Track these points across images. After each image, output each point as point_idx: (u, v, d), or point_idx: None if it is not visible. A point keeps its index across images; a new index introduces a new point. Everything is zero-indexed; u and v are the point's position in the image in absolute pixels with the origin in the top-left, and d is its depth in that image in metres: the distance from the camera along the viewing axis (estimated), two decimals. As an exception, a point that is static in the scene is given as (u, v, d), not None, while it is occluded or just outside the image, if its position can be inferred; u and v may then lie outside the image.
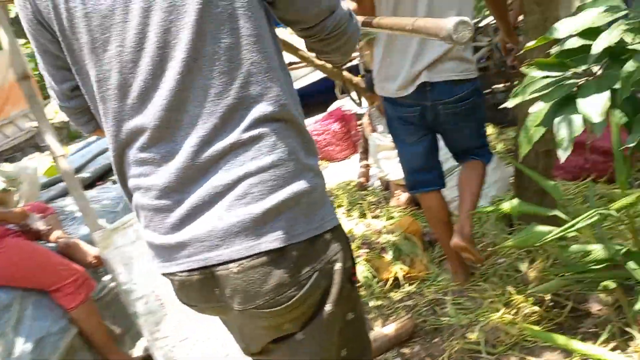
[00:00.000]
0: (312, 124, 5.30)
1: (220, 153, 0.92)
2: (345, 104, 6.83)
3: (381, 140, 3.44)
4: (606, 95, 1.07)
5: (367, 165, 3.95)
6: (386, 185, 3.63)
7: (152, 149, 0.94)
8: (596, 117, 1.06)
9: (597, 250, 1.69)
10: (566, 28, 1.10)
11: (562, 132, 1.12)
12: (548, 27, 2.07)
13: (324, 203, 0.99)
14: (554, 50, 1.24)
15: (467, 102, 2.03)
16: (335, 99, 7.05)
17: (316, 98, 7.91)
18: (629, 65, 0.95)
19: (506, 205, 1.86)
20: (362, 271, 2.50)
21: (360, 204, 3.51)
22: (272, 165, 0.92)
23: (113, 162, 1.03)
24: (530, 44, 1.20)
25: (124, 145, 0.98)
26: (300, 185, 0.94)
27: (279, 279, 0.93)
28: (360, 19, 1.36)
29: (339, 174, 4.46)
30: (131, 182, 1.01)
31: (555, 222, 2.36)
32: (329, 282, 0.99)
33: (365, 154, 3.91)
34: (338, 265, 1.00)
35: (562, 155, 1.11)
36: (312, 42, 1.07)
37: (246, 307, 0.97)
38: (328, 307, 1.00)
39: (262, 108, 0.92)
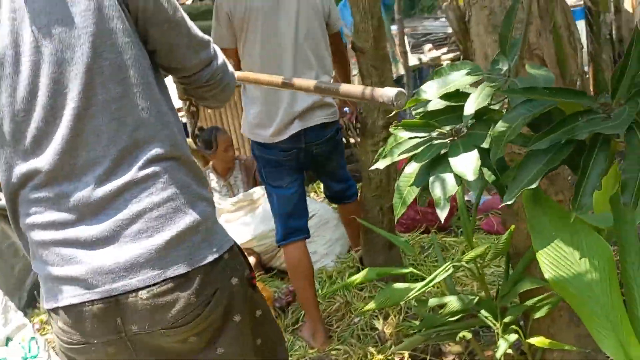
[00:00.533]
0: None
1: (116, 191, 0.99)
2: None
3: (220, 203, 3.29)
4: (474, 154, 1.09)
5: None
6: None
7: (47, 189, 1.00)
8: (470, 176, 1.07)
9: (452, 301, 1.74)
10: (432, 90, 1.12)
11: (437, 192, 1.12)
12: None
13: (219, 227, 1.11)
14: (415, 112, 1.25)
15: (335, 140, 2.30)
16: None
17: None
18: (500, 126, 0.98)
19: (360, 275, 1.83)
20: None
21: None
22: (168, 199, 1.02)
23: (6, 204, 1.06)
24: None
25: (17, 187, 1.02)
26: (197, 214, 1.04)
27: (186, 300, 1.01)
28: (277, 79, 1.49)
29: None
30: (26, 221, 1.04)
31: (404, 277, 2.44)
32: (231, 296, 1.09)
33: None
34: (235, 281, 1.10)
35: (441, 214, 1.09)
36: (191, 89, 1.18)
37: (153, 329, 1.02)
38: (237, 317, 1.10)
39: (154, 149, 1.01)
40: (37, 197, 1.01)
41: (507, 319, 1.66)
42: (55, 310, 1.04)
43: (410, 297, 1.64)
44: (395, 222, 2.39)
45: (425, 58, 6.59)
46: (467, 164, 1.08)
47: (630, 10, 4.28)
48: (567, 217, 1.00)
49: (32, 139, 0.98)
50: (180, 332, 1.04)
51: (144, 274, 0.99)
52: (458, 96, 1.17)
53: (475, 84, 1.17)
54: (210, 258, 1.05)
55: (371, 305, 1.77)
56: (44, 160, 0.98)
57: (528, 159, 0.98)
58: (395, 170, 2.28)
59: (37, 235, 1.03)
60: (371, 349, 2.07)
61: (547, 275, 0.98)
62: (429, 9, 11.67)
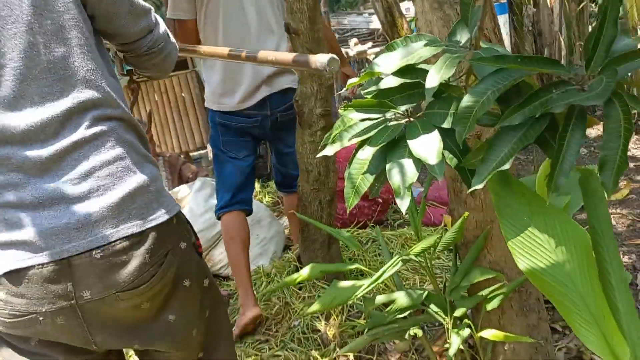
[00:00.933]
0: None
1: (63, 151, 0.96)
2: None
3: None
4: (435, 135, 0.98)
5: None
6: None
7: None
8: (433, 159, 0.95)
9: (401, 297, 1.64)
10: (388, 64, 1.00)
11: (395, 179, 0.99)
12: (322, 75, 2.07)
13: (166, 190, 1.10)
14: (366, 90, 1.13)
15: (293, 111, 2.17)
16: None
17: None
18: (467, 101, 0.87)
19: (305, 272, 1.69)
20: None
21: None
22: (117, 158, 1.01)
23: None
24: (353, 80, 1.07)
25: None
26: (145, 173, 1.04)
27: (140, 259, 1.00)
28: (220, 50, 1.55)
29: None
30: None
31: (344, 274, 2.32)
32: (181, 259, 1.09)
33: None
34: (184, 245, 1.11)
35: (402, 204, 0.97)
36: (131, 57, 1.17)
37: (107, 293, 0.99)
38: (187, 282, 1.10)
39: (100, 109, 1.00)
40: None
41: (457, 313, 1.59)
42: (7, 273, 0.96)
43: (358, 296, 1.53)
44: (334, 216, 2.27)
45: (352, 52, 6.56)
46: (428, 146, 0.97)
47: (549, 5, 4.43)
48: (539, 200, 0.91)
49: None
50: (134, 294, 1.02)
51: (96, 233, 0.97)
52: (412, 72, 1.06)
53: (432, 58, 1.07)
54: (162, 218, 1.04)
55: (315, 307, 1.64)
56: None
57: (498, 138, 0.88)
58: (334, 161, 2.16)
59: None
60: (314, 353, 1.94)
61: (521, 266, 0.89)
62: (352, 5, 11.75)
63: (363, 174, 1.08)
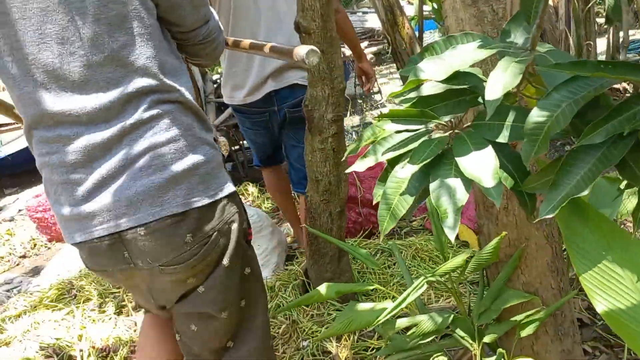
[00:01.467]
0: (34, 198, 4.31)
1: (122, 133, 1.04)
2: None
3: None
4: (489, 151, 0.84)
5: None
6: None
7: (57, 130, 1.06)
8: (488, 180, 0.81)
9: (424, 321, 1.50)
10: (434, 70, 0.85)
11: (443, 202, 0.85)
12: (335, 75, 1.93)
13: (221, 172, 1.15)
14: (400, 99, 0.98)
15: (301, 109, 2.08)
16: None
17: (31, 165, 6.67)
18: (537, 115, 0.73)
19: (317, 294, 1.54)
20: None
21: (116, 294, 2.83)
22: (170, 140, 1.07)
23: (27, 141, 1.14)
24: (393, 90, 0.92)
25: (30, 127, 1.09)
26: (197, 157, 1.10)
27: (182, 239, 1.07)
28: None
29: (77, 258, 3.63)
30: (40, 161, 1.11)
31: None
32: (227, 241, 1.15)
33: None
34: (235, 226, 1.17)
35: (451, 233, 0.83)
36: (186, 45, 1.22)
37: (153, 265, 1.09)
38: (225, 261, 1.16)
39: (158, 94, 1.07)
40: (48, 137, 1.07)
41: (487, 339, 1.45)
42: (74, 245, 1.13)
43: (381, 320, 1.39)
44: (344, 229, 2.13)
45: (348, 52, 6.41)
46: (481, 164, 0.83)
47: (553, 4, 4.31)
48: (618, 232, 0.77)
49: (43, 83, 1.03)
50: (176, 271, 1.11)
51: (143, 211, 1.05)
52: (459, 77, 0.92)
53: (479, 63, 0.93)
54: (205, 201, 1.10)
55: (330, 331, 1.49)
56: (54, 104, 1.04)
57: (574, 158, 0.74)
58: (345, 169, 2.01)
59: (49, 175, 1.10)
60: (327, 378, 1.80)
61: (599, 308, 0.75)
62: (346, 3, 11.59)
63: (401, 194, 0.93)
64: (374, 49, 7.22)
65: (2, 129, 5.85)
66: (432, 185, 0.88)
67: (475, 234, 2.74)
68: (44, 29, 1.01)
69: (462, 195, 0.85)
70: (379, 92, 6.80)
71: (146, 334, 1.39)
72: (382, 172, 1.00)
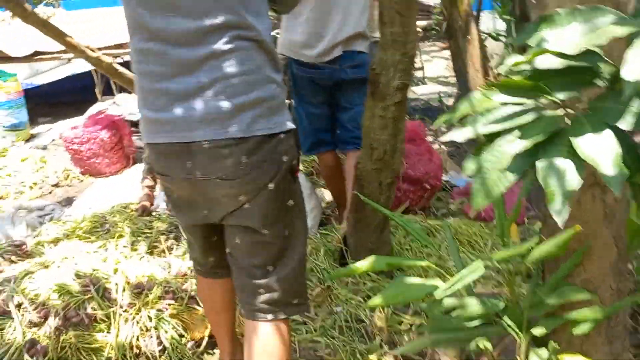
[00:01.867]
0: (71, 130, 4.33)
1: (204, 57, 1.19)
2: (109, 107, 5.89)
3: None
4: (609, 136, 0.79)
5: (152, 186, 3.29)
6: (178, 211, 3.03)
7: (151, 43, 1.22)
8: (608, 167, 0.76)
9: (473, 304, 1.47)
10: (564, 42, 0.79)
11: (552, 184, 0.80)
12: (409, 40, 1.86)
13: (282, 110, 1.28)
14: (512, 71, 0.92)
15: (364, 70, 2.25)
16: (92, 100, 6.05)
17: (65, 97, 6.69)
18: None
19: (364, 265, 1.49)
20: (167, 331, 1.91)
21: (148, 234, 2.85)
22: (242, 73, 1.21)
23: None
24: (513, 60, 0.86)
25: (130, 34, 1.26)
26: (263, 92, 1.23)
27: (237, 158, 1.22)
28: None
29: (110, 194, 3.65)
30: (134, 67, 1.28)
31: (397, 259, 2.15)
32: (277, 169, 1.27)
33: (150, 172, 3.25)
34: (286, 158, 1.29)
35: (559, 217, 0.78)
36: None
37: (211, 176, 1.25)
38: (271, 185, 1.28)
39: (239, 30, 1.20)
40: (141, 48, 1.24)
41: (537, 332, 1.41)
42: (148, 145, 1.31)
43: (432, 298, 1.36)
44: (392, 201, 2.09)
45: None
46: (600, 148, 0.77)
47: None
48: None
49: (144, 2, 1.20)
50: (230, 185, 1.25)
51: (210, 129, 1.20)
52: (583, 53, 0.85)
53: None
54: (264, 132, 1.23)
55: (376, 301, 1.46)
56: (150, 21, 1.20)
57: None
58: (402, 140, 1.96)
59: (139, 81, 1.27)
60: (359, 346, 1.79)
61: None
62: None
63: (502, 170, 0.88)
64: (423, 23, 7.02)
65: (39, 57, 5.87)
66: (540, 165, 0.83)
67: (516, 224, 2.68)
68: None
69: (574, 179, 0.80)
70: (422, 68, 6.65)
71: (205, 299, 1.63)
72: (477, 145, 0.95)
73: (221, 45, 1.19)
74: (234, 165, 1.22)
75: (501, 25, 5.90)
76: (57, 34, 2.83)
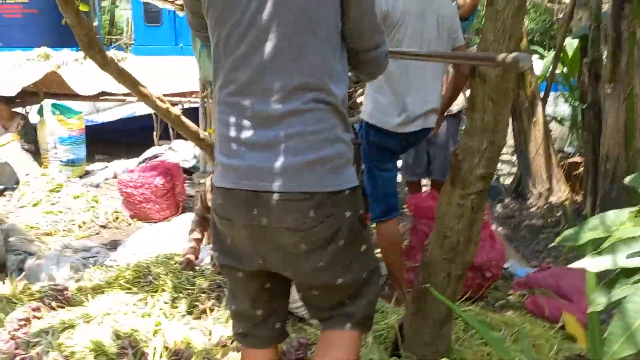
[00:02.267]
0: (127, 173, 4.38)
1: (282, 114, 1.28)
2: (164, 152, 5.97)
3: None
4: None
5: (199, 239, 3.21)
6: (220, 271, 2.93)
7: (237, 97, 1.32)
8: None
9: None
10: None
11: None
12: (499, 129, 1.75)
13: (349, 168, 1.37)
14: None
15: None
16: (148, 143, 6.16)
17: (123, 136, 6.86)
18: None
19: None
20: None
21: (190, 290, 2.75)
22: (316, 132, 1.29)
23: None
24: None
25: (219, 88, 1.36)
26: (333, 150, 1.31)
27: (305, 212, 1.29)
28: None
29: (155, 241, 3.60)
30: (218, 117, 1.37)
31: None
32: (341, 225, 1.34)
33: (200, 225, 3.17)
34: (349, 214, 1.36)
35: None
36: (354, 60, 1.42)
37: (277, 225, 1.30)
38: (341, 242, 1.35)
39: (318, 93, 1.30)
40: (228, 101, 1.33)
41: None
42: (218, 189, 1.37)
43: None
44: (459, 294, 1.92)
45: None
46: None
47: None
48: None
49: (239, 58, 1.29)
50: (295, 235, 1.30)
51: (282, 182, 1.26)
52: None
53: None
54: (332, 188, 1.30)
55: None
56: (241, 75, 1.29)
57: None
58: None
59: (219, 128, 1.35)
60: None
61: None
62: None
63: (649, 316, 0.73)
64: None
65: (104, 97, 6.07)
66: None
67: (584, 329, 2.45)
68: (257, 18, 1.27)
69: None
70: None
71: None
72: (612, 275, 0.81)
73: (301, 104, 1.27)
74: (301, 218, 1.28)
75: (565, 110, 5.77)
76: (132, 83, 2.86)
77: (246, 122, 1.29)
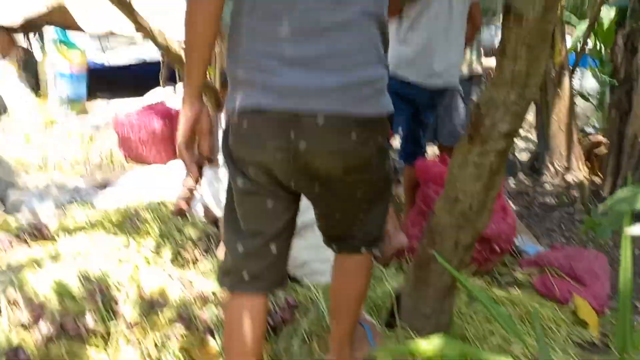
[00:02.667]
0: (124, 115, 4.17)
1: (324, 27, 1.18)
2: (168, 94, 5.75)
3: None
4: None
5: (193, 188, 3.03)
6: (214, 220, 2.77)
7: (277, 4, 1.19)
8: None
9: None
10: None
11: None
12: (531, 83, 1.53)
13: (387, 93, 1.31)
14: None
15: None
16: (154, 85, 5.94)
17: (129, 78, 6.65)
18: None
19: (430, 347, 1.14)
20: (171, 366, 1.61)
21: (177, 239, 2.58)
22: (361, 49, 1.22)
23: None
24: None
25: (248, 12, 1.23)
26: (377, 72, 1.26)
27: (347, 135, 1.23)
28: None
29: (147, 185, 3.41)
30: (243, 30, 1.23)
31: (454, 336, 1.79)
32: (377, 147, 1.31)
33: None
34: (381, 138, 1.32)
35: None
36: None
37: (314, 148, 1.22)
38: (375, 163, 1.33)
39: (365, 4, 1.22)
40: (263, 14, 1.20)
41: None
42: (243, 113, 1.23)
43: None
44: (466, 264, 1.73)
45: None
46: None
47: None
48: None
49: None
50: (335, 158, 1.26)
51: (326, 103, 1.20)
52: None
53: None
54: (375, 111, 1.27)
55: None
56: None
57: None
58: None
59: (245, 42, 1.22)
60: None
61: None
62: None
63: None
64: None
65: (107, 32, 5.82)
66: None
67: (597, 314, 2.27)
68: None
69: None
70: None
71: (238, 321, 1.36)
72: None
73: (351, 15, 1.19)
74: (344, 141, 1.23)
75: (593, 84, 5.45)
76: (129, 11, 2.66)
77: (285, 35, 1.17)
